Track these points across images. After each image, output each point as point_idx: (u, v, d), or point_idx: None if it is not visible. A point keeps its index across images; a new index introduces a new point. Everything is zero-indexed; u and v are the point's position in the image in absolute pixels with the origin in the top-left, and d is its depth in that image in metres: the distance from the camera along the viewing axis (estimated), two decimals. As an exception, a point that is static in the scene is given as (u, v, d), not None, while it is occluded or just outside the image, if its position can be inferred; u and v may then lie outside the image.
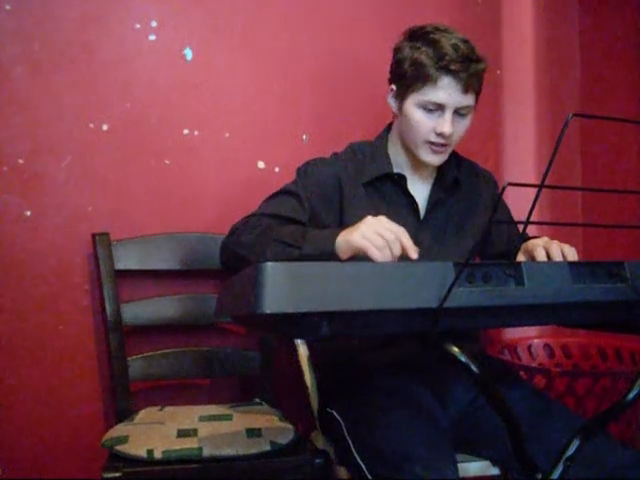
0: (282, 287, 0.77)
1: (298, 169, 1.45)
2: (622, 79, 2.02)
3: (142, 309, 1.64)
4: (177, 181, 1.74)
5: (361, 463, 1.19)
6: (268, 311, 0.76)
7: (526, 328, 2.00)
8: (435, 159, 1.40)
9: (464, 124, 1.38)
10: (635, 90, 1.97)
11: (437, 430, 1.22)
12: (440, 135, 1.35)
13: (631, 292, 0.94)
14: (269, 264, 0.78)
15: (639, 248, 1.79)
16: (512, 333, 2.02)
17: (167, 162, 1.73)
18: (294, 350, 1.50)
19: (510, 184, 0.72)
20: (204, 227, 1.74)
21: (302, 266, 0.82)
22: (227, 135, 1.79)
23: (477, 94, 1.38)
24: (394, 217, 1.40)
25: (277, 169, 1.80)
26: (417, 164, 1.45)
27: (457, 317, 0.88)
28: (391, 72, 1.42)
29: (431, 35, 1.34)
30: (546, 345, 1.99)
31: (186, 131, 1.76)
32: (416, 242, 1.39)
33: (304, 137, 1.84)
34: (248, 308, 0.79)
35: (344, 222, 1.37)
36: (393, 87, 1.41)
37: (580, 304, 0.94)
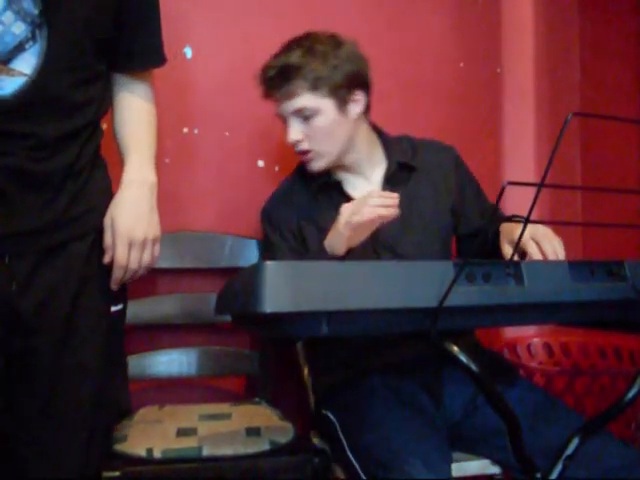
0: (282, 286, 0.77)
1: (262, 216, 1.47)
2: (622, 79, 2.02)
3: (142, 307, 1.64)
4: (177, 180, 1.74)
5: (355, 463, 1.20)
6: (268, 310, 0.76)
7: (525, 327, 2.00)
8: (309, 167, 1.42)
9: (317, 126, 1.37)
10: (635, 90, 1.97)
11: (431, 429, 1.22)
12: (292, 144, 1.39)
13: (631, 291, 0.94)
14: (269, 263, 0.78)
15: (639, 248, 1.79)
16: (511, 332, 2.02)
17: (167, 161, 1.73)
18: (293, 350, 1.50)
19: (510, 183, 0.72)
20: (204, 226, 1.73)
21: (302, 265, 0.82)
22: (227, 134, 1.78)
23: (323, 91, 1.35)
24: None
25: (277, 168, 1.80)
26: (359, 163, 1.45)
27: (457, 316, 0.88)
28: None
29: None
30: (545, 344, 1.99)
31: (186, 130, 1.75)
32: (383, 237, 1.37)
33: (304, 136, 1.83)
34: (248, 307, 0.79)
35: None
36: None
37: (580, 303, 0.95)
